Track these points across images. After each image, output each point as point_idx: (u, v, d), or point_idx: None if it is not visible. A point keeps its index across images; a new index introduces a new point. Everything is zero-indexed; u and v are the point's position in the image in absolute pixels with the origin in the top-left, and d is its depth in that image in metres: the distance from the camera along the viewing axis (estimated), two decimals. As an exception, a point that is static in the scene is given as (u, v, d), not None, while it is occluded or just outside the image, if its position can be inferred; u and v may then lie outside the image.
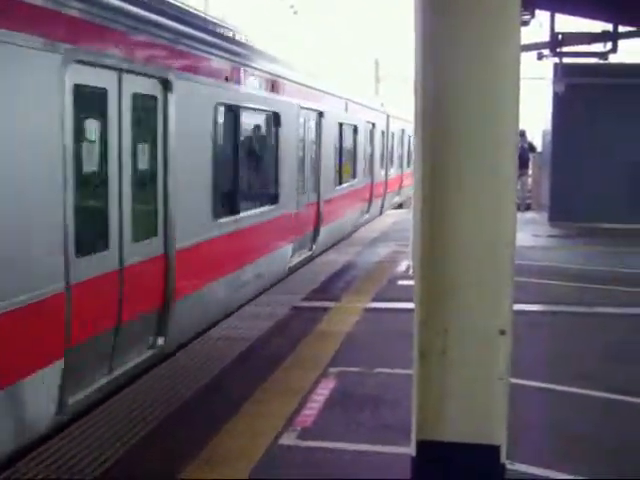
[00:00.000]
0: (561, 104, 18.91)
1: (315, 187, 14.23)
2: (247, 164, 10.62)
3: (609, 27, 16.42)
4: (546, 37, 16.82)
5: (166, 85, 7.50)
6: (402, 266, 12.83)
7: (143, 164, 7.33)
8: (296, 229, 12.71)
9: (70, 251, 5.89)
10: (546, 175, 20.42)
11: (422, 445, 3.00)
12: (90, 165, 6.45)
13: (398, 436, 5.42)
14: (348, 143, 17.58)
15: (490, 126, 2.88)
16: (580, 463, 5.22)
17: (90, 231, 6.44)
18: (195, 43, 8.28)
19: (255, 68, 10.37)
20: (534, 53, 17.63)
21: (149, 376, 6.93)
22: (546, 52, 17.53)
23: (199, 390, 6.59)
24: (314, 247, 14.09)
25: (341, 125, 16.42)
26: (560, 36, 16.76)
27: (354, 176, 18.18)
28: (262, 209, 10.99)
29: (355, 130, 18.14)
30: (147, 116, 7.34)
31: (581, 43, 17.35)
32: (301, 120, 13.02)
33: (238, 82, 9.70)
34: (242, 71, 9.85)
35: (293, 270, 12.39)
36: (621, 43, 16.84)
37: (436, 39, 2.89)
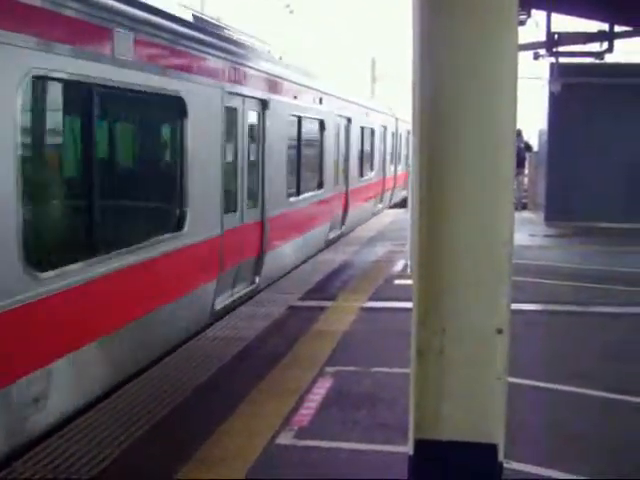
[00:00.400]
0: (557, 104, 18.94)
1: (344, 178, 17.37)
2: (305, 158, 13.81)
3: (605, 27, 16.42)
4: (542, 37, 16.83)
5: (264, 104, 10.92)
6: (398, 266, 12.84)
7: (253, 157, 10.70)
8: (332, 211, 16.04)
9: (222, 210, 9.24)
10: (542, 174, 20.45)
11: (420, 444, 3.00)
12: (230, 157, 9.78)
13: (395, 435, 5.43)
14: (367, 143, 20.63)
15: (488, 125, 2.88)
16: (576, 462, 5.23)
17: (229, 197, 9.66)
18: (281, 75, 11.90)
19: (311, 88, 13.86)
20: (530, 53, 17.65)
21: (147, 375, 6.93)
22: (542, 52, 17.54)
23: (197, 389, 6.59)
24: (343, 227, 17.32)
25: (362, 128, 19.59)
26: (556, 36, 16.76)
27: (371, 171, 21.40)
28: (313, 193, 14.25)
29: (372, 133, 21.27)
30: (255, 125, 10.77)
31: (577, 43, 17.36)
32: (337, 125, 16.34)
33: (301, 99, 13.16)
34: (304, 91, 13.37)
35: (329, 243, 15.61)
36: (617, 43, 16.85)
37: (434, 38, 2.89)
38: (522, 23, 14.87)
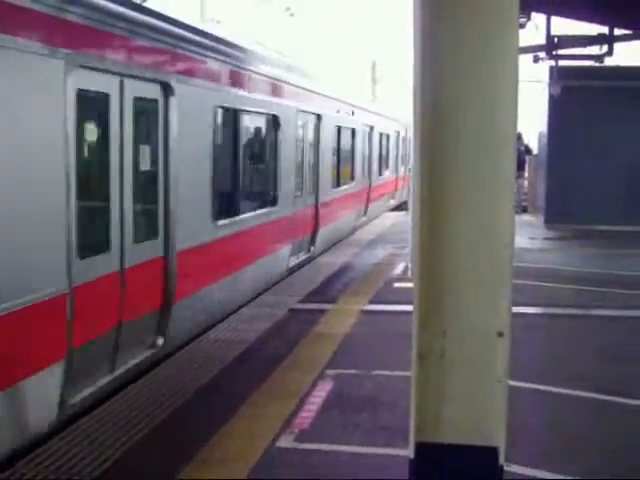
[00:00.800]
0: (557, 106, 18.95)
1: (368, 175, 20.74)
2: (342, 158, 17.31)
3: (605, 30, 16.44)
4: (542, 40, 16.84)
5: (319, 118, 14.46)
6: (399, 268, 12.85)
7: (312, 157, 14.25)
8: (359, 201, 19.61)
9: (295, 194, 12.77)
10: (542, 177, 20.46)
11: (420, 447, 3.00)
12: (299, 156, 13.26)
13: (396, 438, 5.43)
14: (384, 147, 24.33)
15: (488, 127, 2.89)
16: (575, 462, 5.24)
17: (299, 185, 13.16)
18: (330, 95, 15.43)
19: (347, 103, 17.41)
20: (530, 56, 17.65)
21: (148, 377, 6.94)
22: (542, 55, 17.55)
23: (198, 391, 6.60)
24: (364, 217, 20.58)
25: (381, 134, 23.31)
26: (556, 39, 16.78)
27: (387, 171, 25.05)
28: (347, 186, 17.71)
29: (388, 138, 25.11)
30: (313, 133, 14.30)
31: (577, 46, 17.38)
32: (363, 132, 19.87)
33: (341, 112, 16.74)
34: (343, 106, 16.88)
35: (355, 229, 18.88)
36: (617, 46, 16.86)
37: (434, 40, 2.90)
38: (522, 26, 14.87)
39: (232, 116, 9.95)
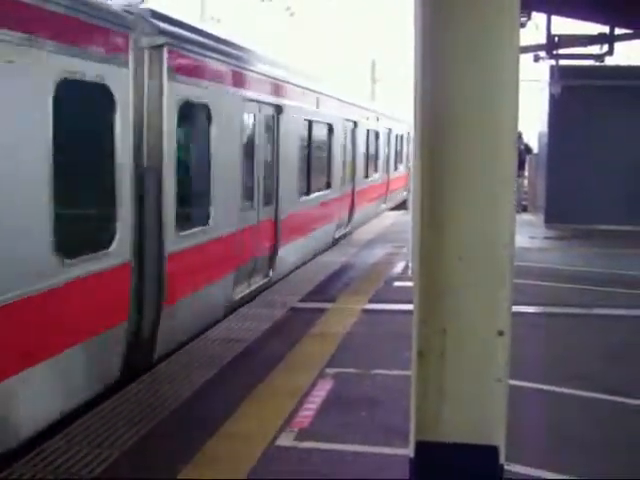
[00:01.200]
0: (557, 106, 18.95)
1: (387, 170, 25.37)
2: (370, 155, 21.65)
3: (606, 29, 16.42)
4: (542, 39, 16.82)
5: (355, 124, 18.55)
6: (398, 267, 12.84)
7: (349, 154, 17.95)
8: (381, 190, 24.02)
9: (341, 180, 17.03)
10: (542, 176, 20.45)
11: (421, 446, 2.99)
12: (341, 154, 16.95)
13: (396, 437, 5.42)
14: (398, 146, 29.11)
15: (489, 127, 2.88)
16: (575, 462, 5.23)
17: (343, 174, 17.16)
18: (360, 104, 19.62)
19: (374, 111, 22.20)
20: (530, 55, 17.62)
21: (147, 377, 6.93)
22: (542, 54, 17.51)
23: (197, 391, 6.59)
24: (384, 205, 24.84)
25: (396, 136, 28.04)
26: (556, 38, 16.75)
27: (401, 165, 29.56)
28: (372, 178, 21.98)
29: (401, 138, 29.99)
30: (351, 136, 18.27)
31: (577, 45, 17.35)
32: (385, 134, 24.60)
33: (369, 119, 20.88)
34: (370, 113, 21.23)
35: (378, 214, 23.20)
36: (617, 45, 16.84)
37: (435, 39, 2.89)
38: (522, 25, 14.83)
39: (309, 125, 14.03)
